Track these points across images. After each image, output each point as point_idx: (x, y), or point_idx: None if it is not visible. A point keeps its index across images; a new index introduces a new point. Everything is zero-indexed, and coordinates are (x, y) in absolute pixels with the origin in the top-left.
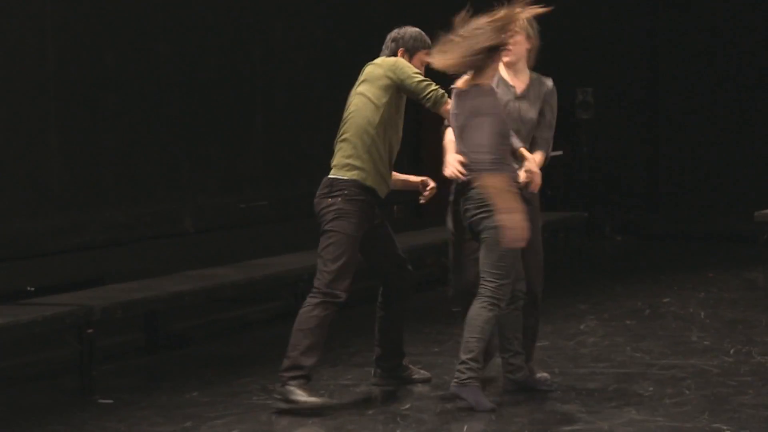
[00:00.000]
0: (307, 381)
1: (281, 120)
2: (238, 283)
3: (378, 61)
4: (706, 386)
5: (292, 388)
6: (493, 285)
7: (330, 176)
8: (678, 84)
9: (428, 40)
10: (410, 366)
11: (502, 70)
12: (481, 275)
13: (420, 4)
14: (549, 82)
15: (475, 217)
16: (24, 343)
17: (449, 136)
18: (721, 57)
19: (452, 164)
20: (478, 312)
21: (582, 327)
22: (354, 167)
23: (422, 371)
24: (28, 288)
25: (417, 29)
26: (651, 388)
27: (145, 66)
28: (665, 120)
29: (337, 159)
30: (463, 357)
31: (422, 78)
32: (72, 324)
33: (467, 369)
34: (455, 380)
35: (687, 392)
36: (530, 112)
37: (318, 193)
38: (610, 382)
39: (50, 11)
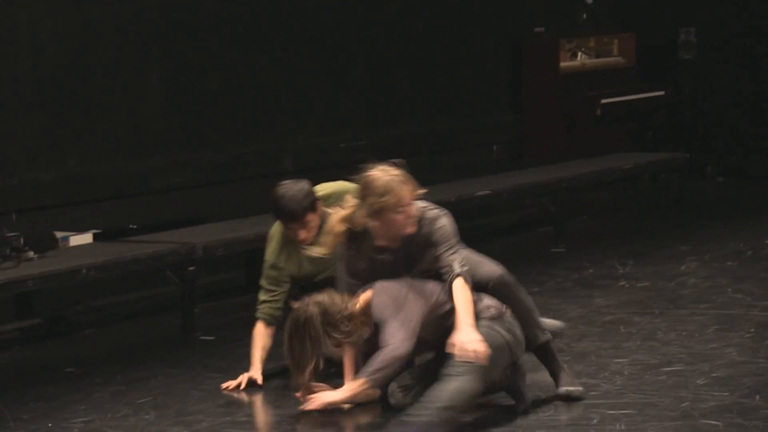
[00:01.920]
0: None
1: (381, 60)
2: None
3: None
4: None
5: None
6: None
7: None
8: None
9: None
10: None
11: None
12: None
13: None
14: None
15: None
16: (127, 280)
17: None
18: None
19: None
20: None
21: (683, 268)
22: None
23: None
24: (131, 226)
25: None
26: (752, 330)
27: (244, 8)
28: None
29: None
30: None
31: None
32: (173, 262)
33: None
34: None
35: None
36: None
37: None
38: (710, 324)
39: None
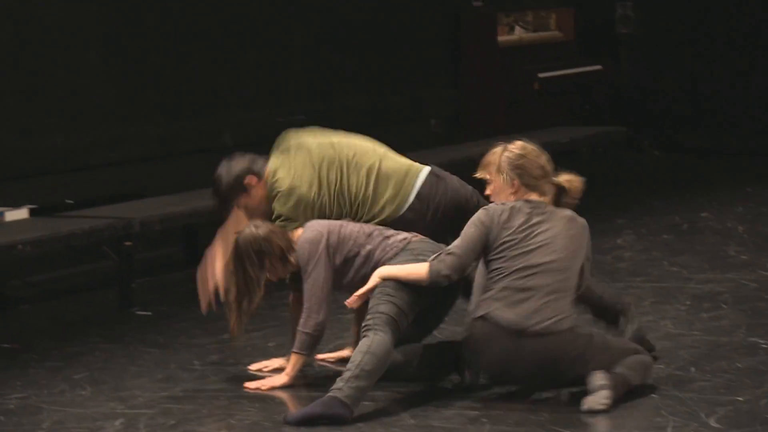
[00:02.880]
0: None
1: (319, 34)
2: None
3: None
4: (743, 301)
5: None
6: None
7: None
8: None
9: None
10: None
11: None
12: None
13: None
14: None
15: None
16: (64, 256)
17: None
18: None
19: None
20: None
21: (619, 241)
22: None
23: None
24: (68, 201)
25: None
26: (688, 303)
27: None
28: (708, 34)
29: None
30: None
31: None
32: (110, 237)
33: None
34: None
35: (724, 307)
36: None
37: None
38: (646, 297)
39: None
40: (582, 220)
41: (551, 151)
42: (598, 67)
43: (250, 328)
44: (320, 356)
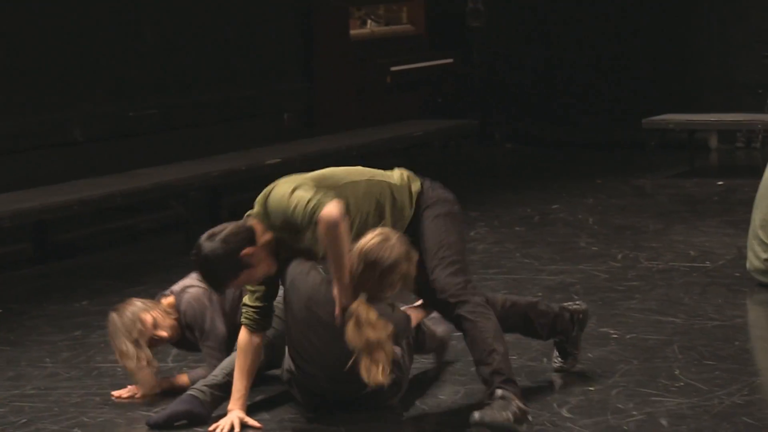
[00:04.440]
0: None
1: (170, 28)
2: (128, 192)
3: None
4: (594, 291)
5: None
6: None
7: None
8: None
9: None
10: None
11: None
12: None
13: None
14: None
15: None
16: None
17: None
18: None
19: None
20: None
21: (472, 234)
22: None
23: None
24: None
25: None
26: (540, 294)
27: None
28: (558, 28)
29: None
30: None
31: None
32: None
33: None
34: None
35: (575, 297)
36: None
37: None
38: (499, 288)
39: None
40: None
41: (404, 144)
42: (450, 60)
43: (102, 324)
44: None
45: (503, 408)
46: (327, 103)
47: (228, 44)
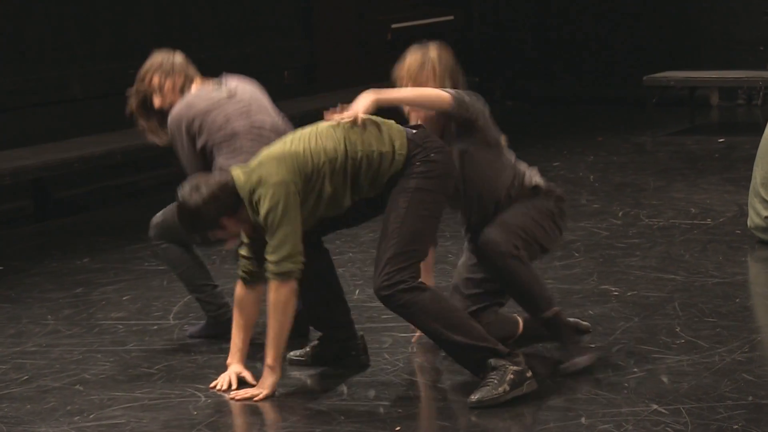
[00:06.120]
0: None
1: None
2: (128, 149)
3: None
4: (595, 249)
5: None
6: None
7: None
8: None
9: None
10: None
11: None
12: None
13: None
14: None
15: None
16: None
17: None
18: None
19: None
20: None
21: None
22: None
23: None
24: None
25: None
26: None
27: None
28: None
29: None
30: None
31: None
32: None
33: None
34: None
35: (576, 255)
36: None
37: None
38: None
39: None
40: None
41: None
42: (450, 17)
43: (103, 281)
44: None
45: (499, 381)
46: (328, 60)
47: (228, 1)
